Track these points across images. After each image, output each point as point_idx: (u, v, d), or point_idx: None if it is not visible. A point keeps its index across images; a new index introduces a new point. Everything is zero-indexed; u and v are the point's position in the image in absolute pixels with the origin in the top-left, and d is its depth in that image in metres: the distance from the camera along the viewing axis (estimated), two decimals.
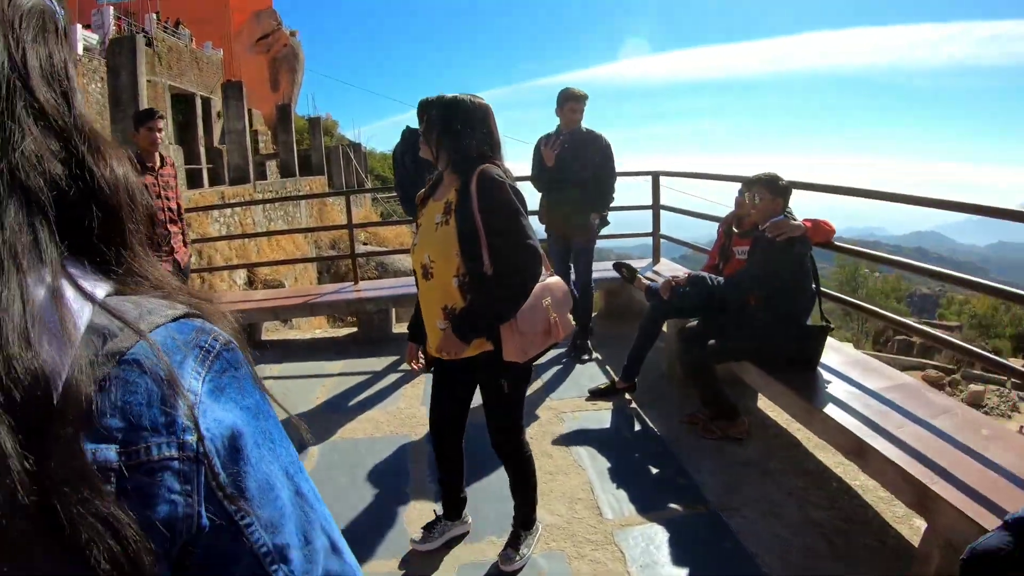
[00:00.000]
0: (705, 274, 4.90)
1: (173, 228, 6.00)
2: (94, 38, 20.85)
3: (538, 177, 6.30)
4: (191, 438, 0.56)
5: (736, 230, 5.23)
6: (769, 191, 4.48)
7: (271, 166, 28.74)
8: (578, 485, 4.15)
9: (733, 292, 4.65)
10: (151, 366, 0.56)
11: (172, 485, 0.55)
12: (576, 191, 6.04)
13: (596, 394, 5.46)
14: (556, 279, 3.21)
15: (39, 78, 0.59)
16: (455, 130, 2.94)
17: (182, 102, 26.84)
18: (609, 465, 4.37)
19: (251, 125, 27.83)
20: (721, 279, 4.75)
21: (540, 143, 6.18)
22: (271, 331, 8.57)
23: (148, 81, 24.47)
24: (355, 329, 7.95)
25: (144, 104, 11.00)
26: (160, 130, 5.80)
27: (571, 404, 5.39)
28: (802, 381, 4.21)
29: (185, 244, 6.24)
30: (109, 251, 0.62)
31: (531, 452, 3.41)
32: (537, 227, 6.21)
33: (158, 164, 5.92)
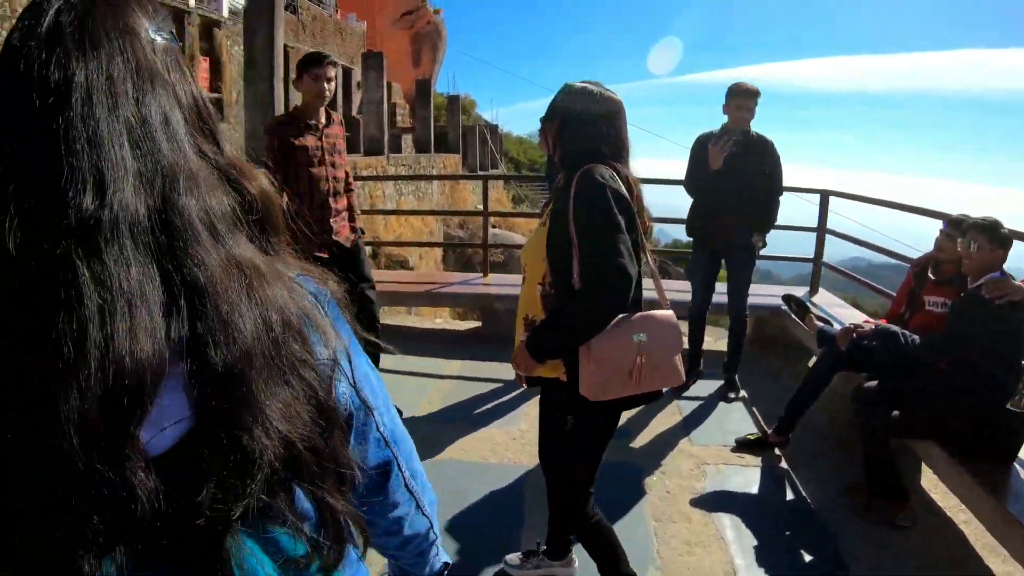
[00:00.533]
0: (897, 330, 4.12)
1: (336, 203, 4.87)
2: (240, 3, 21.19)
3: (694, 181, 5.65)
4: (339, 345, 0.86)
5: (932, 276, 4.43)
6: (988, 239, 3.75)
7: (407, 140, 28.85)
8: (719, 564, 3.59)
9: (929, 355, 3.95)
10: (311, 290, 0.89)
11: (340, 369, 0.86)
12: (741, 203, 5.35)
13: (743, 445, 4.82)
14: (667, 315, 2.70)
15: (195, 119, 0.80)
16: (575, 123, 2.67)
17: None
18: (756, 542, 3.78)
19: (390, 98, 27.96)
20: (916, 338, 4.00)
21: (704, 141, 5.49)
22: (388, 313, 8.19)
23: (292, 48, 24.96)
24: (479, 324, 7.52)
25: (280, 66, 10.75)
26: (330, 79, 4.70)
27: (715, 454, 4.79)
28: (998, 478, 3.52)
29: (353, 220, 5.08)
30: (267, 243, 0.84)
31: (599, 519, 2.91)
32: (667, 233, 5.57)
33: (323, 122, 4.80)
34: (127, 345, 0.62)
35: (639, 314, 2.59)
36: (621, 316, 2.54)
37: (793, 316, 5.17)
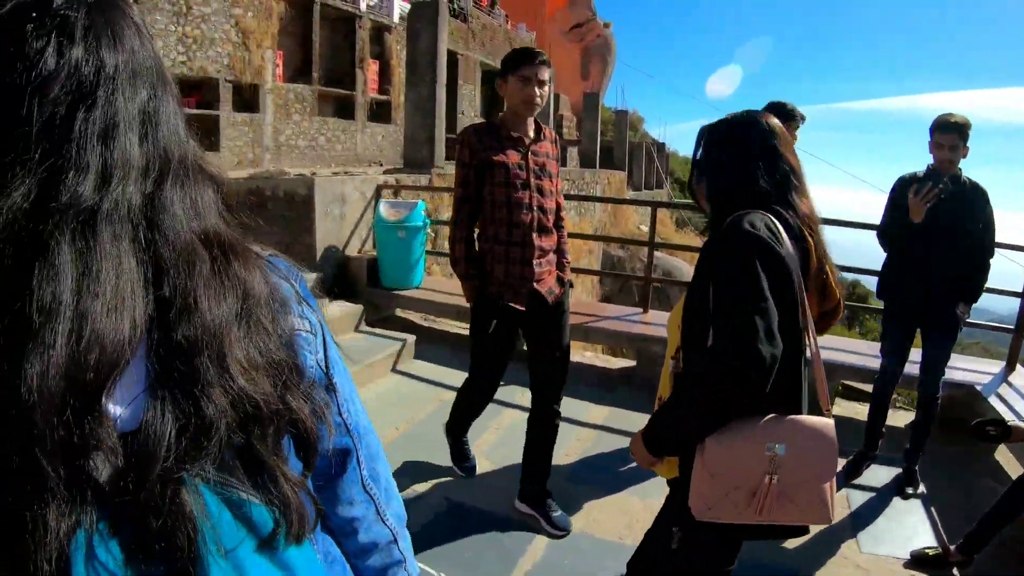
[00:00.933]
0: None
1: (541, 240, 3.84)
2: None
3: (889, 231, 4.70)
4: (313, 317, 0.96)
5: None
6: None
7: (572, 152, 28.44)
8: None
9: None
10: (283, 268, 0.97)
11: (309, 343, 0.94)
12: (946, 264, 4.39)
13: (919, 562, 3.85)
14: (823, 424, 1.94)
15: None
16: (722, 171, 2.17)
17: (492, 79, 27.21)
18: None
19: (556, 109, 27.52)
20: None
21: (906, 184, 4.53)
22: None
23: (460, 55, 24.97)
24: (633, 363, 6.80)
25: (443, 71, 10.38)
26: (542, 83, 3.69)
27: (885, 567, 3.84)
28: None
29: (563, 268, 4.03)
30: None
31: None
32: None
33: (531, 135, 3.85)
34: (101, 319, 0.67)
35: (789, 418, 1.92)
36: (770, 417, 1.89)
37: (990, 440, 4.07)
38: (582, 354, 7.87)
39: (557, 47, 38.37)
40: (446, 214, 10.45)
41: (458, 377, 5.40)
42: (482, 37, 26.44)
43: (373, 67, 21.49)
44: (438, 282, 8.36)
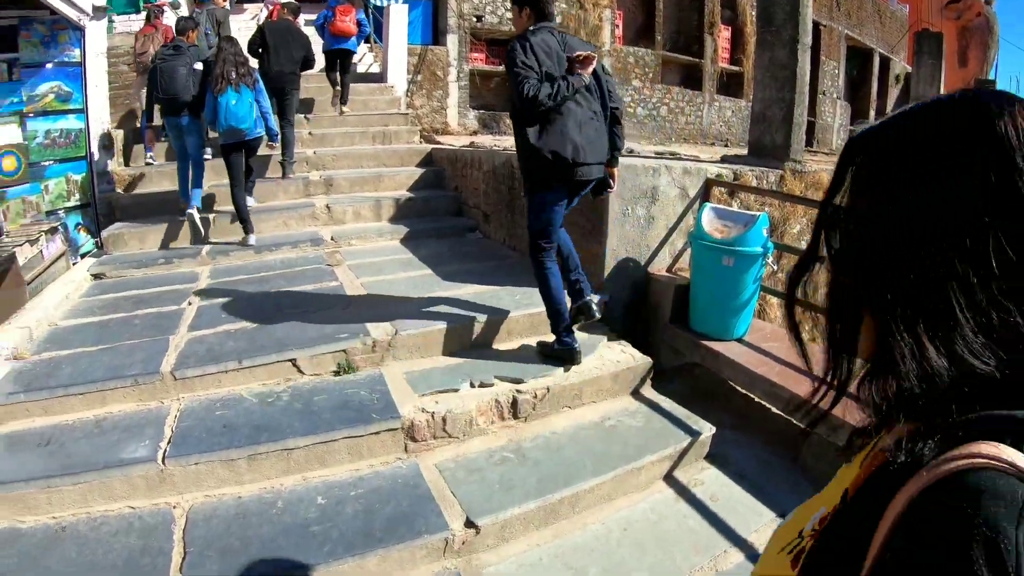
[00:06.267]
0: None
1: None
2: None
3: None
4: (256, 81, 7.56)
5: None
6: None
7: None
8: None
9: None
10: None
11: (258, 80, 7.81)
12: None
13: None
14: None
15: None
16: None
17: (858, 56, 23.95)
18: None
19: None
20: None
21: None
22: None
23: (824, 26, 21.36)
24: None
25: (807, 25, 7.16)
26: None
27: None
28: None
29: None
30: None
31: None
32: None
33: None
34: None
35: None
36: None
37: None
38: None
39: (935, 26, 33.11)
40: (795, 233, 7.35)
41: (768, 527, 3.49)
42: (848, 7, 22.59)
43: (724, 33, 18.94)
44: (773, 336, 5.10)
